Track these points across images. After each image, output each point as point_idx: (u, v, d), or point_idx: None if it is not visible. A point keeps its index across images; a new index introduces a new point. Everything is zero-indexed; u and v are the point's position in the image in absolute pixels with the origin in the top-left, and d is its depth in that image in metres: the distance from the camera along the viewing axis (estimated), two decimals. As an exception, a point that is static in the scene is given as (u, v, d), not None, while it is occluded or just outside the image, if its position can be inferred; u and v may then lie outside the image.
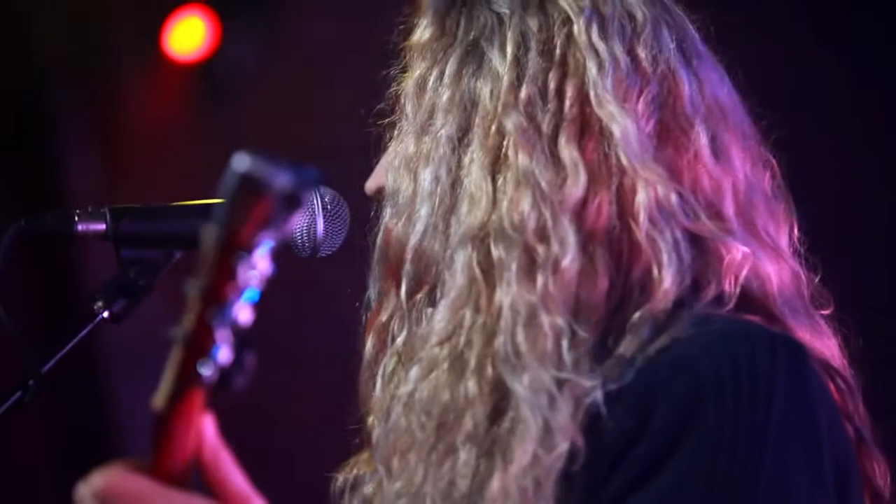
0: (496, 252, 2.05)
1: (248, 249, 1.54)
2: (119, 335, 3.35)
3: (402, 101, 2.22)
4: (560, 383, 1.98)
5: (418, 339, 2.12)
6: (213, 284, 1.54)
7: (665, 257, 2.02)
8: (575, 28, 2.13)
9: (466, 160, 2.11)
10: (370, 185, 2.29)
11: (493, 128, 2.10)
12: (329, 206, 2.45)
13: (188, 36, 5.68)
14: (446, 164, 2.12)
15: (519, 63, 2.12)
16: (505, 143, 2.09)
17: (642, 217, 2.04)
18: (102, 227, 2.43)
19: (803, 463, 1.93)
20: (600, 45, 2.12)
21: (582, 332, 2.01)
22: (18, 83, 5.50)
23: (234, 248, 1.53)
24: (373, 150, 2.31)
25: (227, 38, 5.67)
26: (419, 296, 2.13)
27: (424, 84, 2.19)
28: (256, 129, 5.48)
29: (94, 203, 2.47)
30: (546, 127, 2.09)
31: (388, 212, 2.18)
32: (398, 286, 2.14)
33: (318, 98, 5.52)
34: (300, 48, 5.59)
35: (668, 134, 2.12)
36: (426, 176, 2.13)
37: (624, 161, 2.07)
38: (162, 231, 2.42)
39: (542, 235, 2.04)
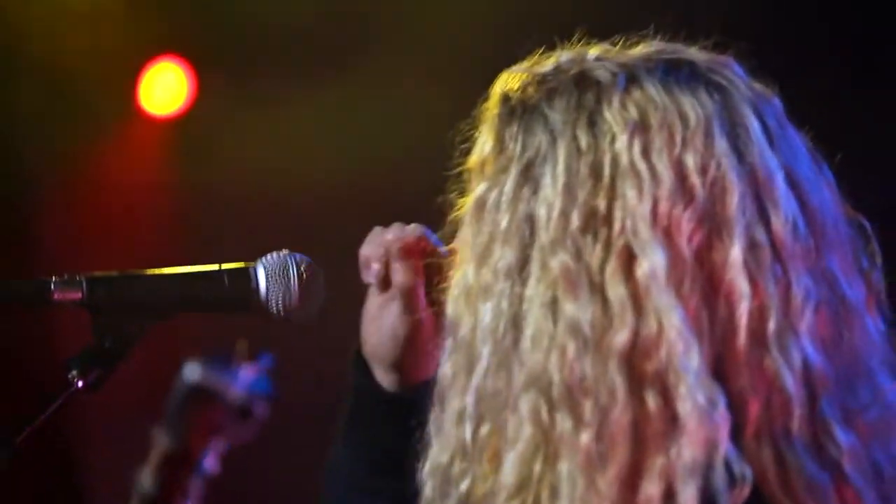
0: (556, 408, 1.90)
1: (198, 458, 1.55)
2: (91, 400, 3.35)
3: (462, 223, 2.06)
4: None
5: (486, 491, 1.95)
6: (162, 493, 1.56)
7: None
8: (618, 145, 1.95)
9: (527, 294, 1.94)
10: None
11: (549, 262, 1.94)
12: (304, 274, 2.45)
13: (163, 91, 5.70)
14: (507, 299, 1.95)
15: (569, 188, 1.95)
16: (558, 282, 1.93)
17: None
18: (79, 295, 2.42)
19: None
20: (641, 165, 1.94)
21: None
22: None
23: (183, 459, 1.54)
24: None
25: (203, 93, 5.69)
26: (481, 436, 1.96)
27: (483, 207, 2.02)
28: (233, 185, 5.49)
29: (67, 268, 2.48)
30: (594, 261, 1.93)
31: (449, 345, 2.02)
32: (460, 428, 1.98)
33: (296, 152, 5.54)
34: (277, 101, 5.60)
35: (710, 249, 1.93)
36: (487, 310, 1.97)
37: (654, 296, 1.90)
38: (138, 300, 2.42)
39: (587, 388, 1.90)
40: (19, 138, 5.59)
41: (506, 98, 2.07)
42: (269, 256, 2.46)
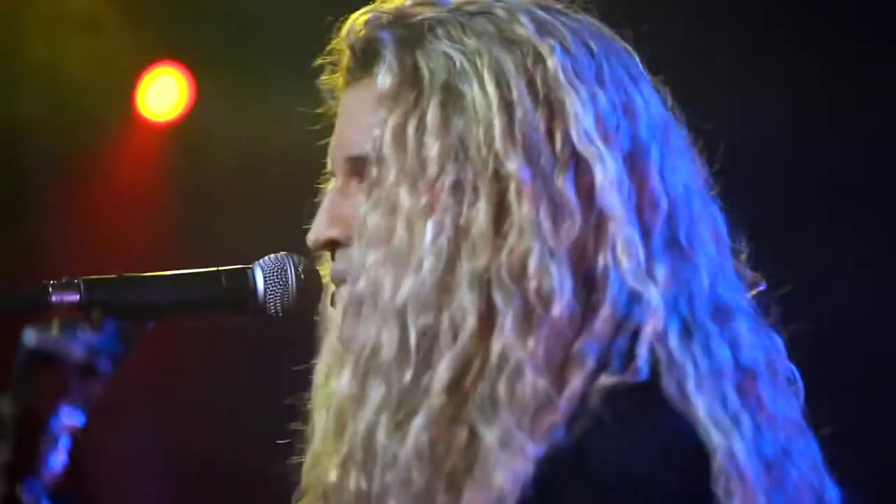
0: (496, 299, 2.07)
1: (48, 421, 1.53)
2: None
3: (376, 150, 2.18)
4: (524, 444, 2.01)
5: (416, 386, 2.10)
6: (16, 461, 1.54)
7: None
8: (550, 65, 2.15)
9: (471, 210, 2.11)
10: (320, 236, 2.29)
11: (493, 175, 2.11)
12: (302, 276, 2.45)
13: (162, 96, 5.69)
14: (451, 215, 2.11)
15: (507, 104, 2.13)
16: (509, 190, 2.10)
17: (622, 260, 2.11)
18: (76, 297, 2.42)
19: None
20: (577, 84, 2.15)
21: (558, 400, 2.03)
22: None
23: (33, 424, 1.53)
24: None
25: (202, 97, 5.68)
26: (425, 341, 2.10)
27: (403, 134, 2.16)
28: (232, 188, 5.49)
29: (68, 273, 2.47)
30: (546, 169, 2.11)
31: (369, 261, 2.16)
32: (401, 336, 2.11)
33: (296, 155, 5.53)
34: (276, 105, 5.59)
35: (634, 165, 2.16)
36: (429, 227, 2.12)
37: (604, 203, 2.12)
38: (135, 302, 2.41)
39: (541, 286, 2.07)
40: (19, 143, 5.58)
41: (386, 30, 2.22)
42: (267, 258, 2.46)
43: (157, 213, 5.62)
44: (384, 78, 2.20)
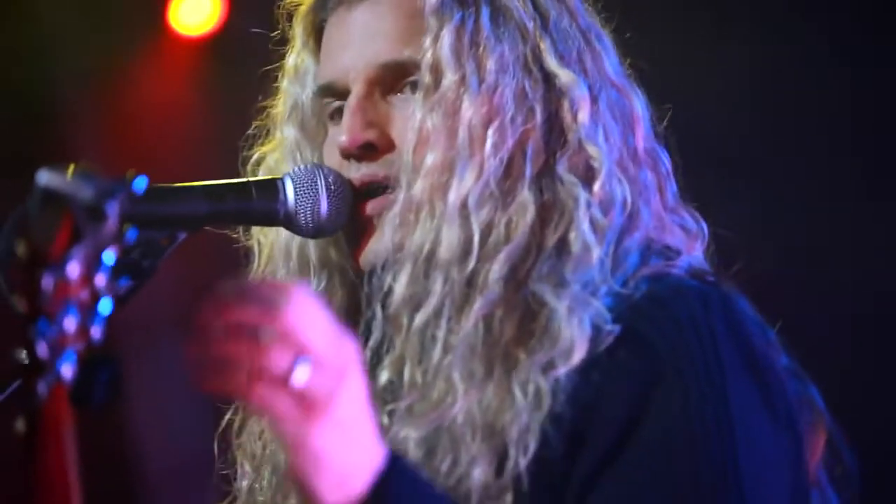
0: (561, 196, 2.29)
1: (59, 263, 1.52)
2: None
3: (432, 59, 2.29)
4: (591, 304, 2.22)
5: None
6: (28, 303, 1.53)
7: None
8: (571, 4, 2.39)
9: (529, 117, 2.29)
10: (357, 137, 2.35)
11: (547, 86, 2.32)
12: (332, 186, 2.44)
13: (195, 9, 5.66)
14: (511, 121, 2.27)
15: (549, 22, 2.33)
16: (563, 99, 2.31)
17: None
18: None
19: (755, 390, 2.17)
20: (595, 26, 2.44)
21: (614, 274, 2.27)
22: (20, 60, 5.48)
23: (43, 264, 1.51)
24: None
25: (235, 11, 5.65)
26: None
27: (460, 44, 2.29)
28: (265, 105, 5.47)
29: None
30: (594, 85, 2.38)
31: (428, 164, 2.27)
32: (463, 235, 2.25)
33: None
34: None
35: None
36: (490, 133, 2.26)
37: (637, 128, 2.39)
38: (167, 212, 2.40)
39: (604, 190, 2.30)
40: (48, 57, 5.56)
41: None
42: (296, 168, 2.45)
43: (189, 127, 5.60)
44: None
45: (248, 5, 5.61)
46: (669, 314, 2.18)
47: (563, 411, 2.14)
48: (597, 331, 2.18)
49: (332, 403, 1.82)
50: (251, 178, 2.46)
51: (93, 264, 1.58)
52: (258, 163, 2.53)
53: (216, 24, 5.63)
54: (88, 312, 1.59)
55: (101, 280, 1.59)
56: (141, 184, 1.56)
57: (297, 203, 2.41)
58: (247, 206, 2.42)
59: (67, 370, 1.57)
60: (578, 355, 2.16)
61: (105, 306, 1.57)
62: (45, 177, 1.51)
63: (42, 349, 1.55)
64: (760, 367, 2.20)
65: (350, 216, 2.39)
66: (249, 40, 5.73)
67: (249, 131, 2.61)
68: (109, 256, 1.60)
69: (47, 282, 1.52)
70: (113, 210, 1.52)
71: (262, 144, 2.54)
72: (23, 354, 1.55)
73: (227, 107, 5.61)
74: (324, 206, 2.42)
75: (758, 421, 2.15)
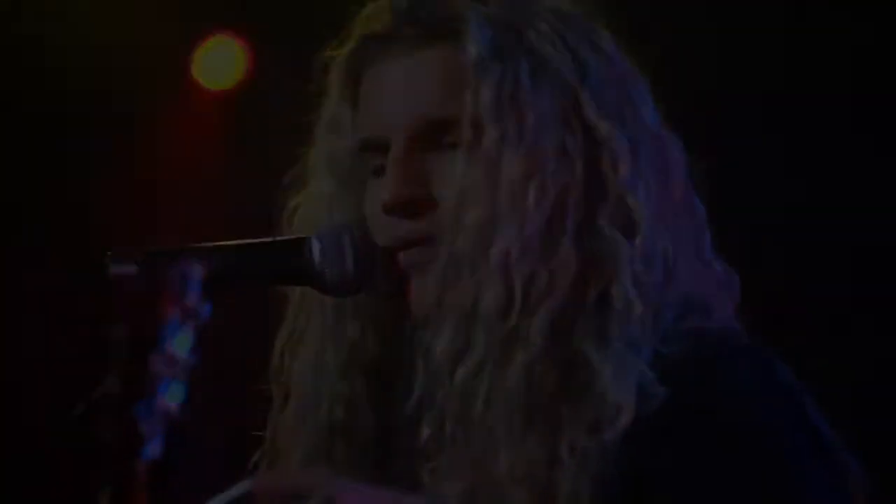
0: (603, 251, 2.26)
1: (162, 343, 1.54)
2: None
3: (472, 115, 2.28)
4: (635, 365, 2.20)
5: None
6: (131, 384, 1.54)
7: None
8: (604, 45, 2.37)
9: (570, 172, 2.27)
10: (401, 193, 2.32)
11: (586, 139, 2.29)
12: (359, 246, 2.42)
13: (219, 65, 5.67)
14: (552, 177, 2.26)
15: (587, 70, 2.33)
16: (603, 152, 2.29)
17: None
18: (134, 270, 2.40)
19: (824, 469, 2.15)
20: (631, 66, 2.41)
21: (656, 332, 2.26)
22: (43, 117, 5.51)
23: (150, 344, 1.53)
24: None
25: (261, 65, 5.66)
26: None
27: (499, 100, 2.28)
28: (291, 161, 5.47)
29: (122, 244, 2.45)
30: (634, 136, 2.33)
31: (469, 220, 2.26)
32: (505, 289, 2.24)
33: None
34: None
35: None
36: (531, 189, 2.25)
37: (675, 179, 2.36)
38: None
39: (644, 244, 2.27)
40: (73, 113, 5.58)
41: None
42: (323, 227, 2.43)
43: (213, 183, 5.60)
44: (474, 46, 2.31)
45: (273, 58, 5.64)
46: (722, 378, 2.18)
47: (611, 476, 2.12)
48: (643, 394, 2.16)
49: None
50: (277, 238, 2.44)
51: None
52: (292, 212, 2.50)
53: (240, 77, 5.64)
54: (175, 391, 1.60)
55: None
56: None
57: (323, 262, 2.39)
58: (273, 264, 2.41)
59: (156, 449, 1.59)
60: (625, 419, 2.14)
61: (182, 388, 1.58)
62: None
63: (142, 428, 1.56)
64: (824, 445, 2.17)
65: (384, 272, 2.37)
66: (274, 93, 5.76)
67: (283, 182, 2.58)
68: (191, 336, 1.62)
69: (154, 361, 1.54)
70: (196, 292, 1.55)
71: (296, 195, 2.51)
72: (117, 428, 1.56)
73: (250, 160, 5.67)
74: (350, 266, 2.39)
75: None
